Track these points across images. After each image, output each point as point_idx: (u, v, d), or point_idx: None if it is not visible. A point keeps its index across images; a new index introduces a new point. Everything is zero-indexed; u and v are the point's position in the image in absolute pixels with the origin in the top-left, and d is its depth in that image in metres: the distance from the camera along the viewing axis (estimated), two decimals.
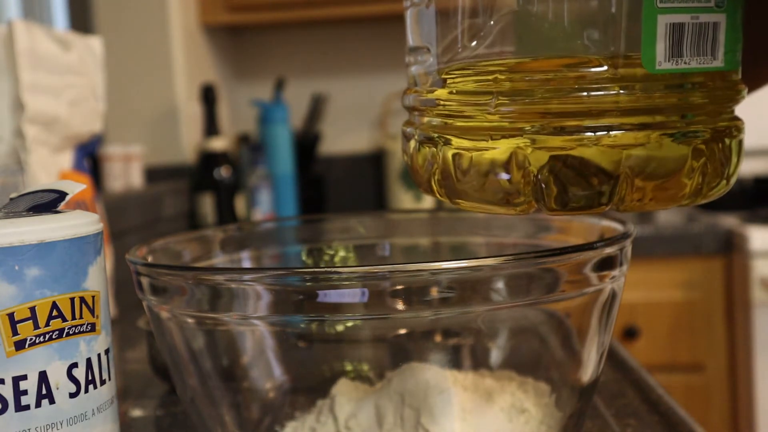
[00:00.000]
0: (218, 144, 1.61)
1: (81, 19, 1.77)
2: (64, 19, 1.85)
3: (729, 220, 1.54)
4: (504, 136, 0.33)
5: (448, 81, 0.35)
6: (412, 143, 0.38)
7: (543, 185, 0.32)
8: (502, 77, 0.33)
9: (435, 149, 0.36)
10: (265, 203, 1.64)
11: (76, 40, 0.83)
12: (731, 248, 1.49)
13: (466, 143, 0.34)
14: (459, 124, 0.35)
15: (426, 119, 0.37)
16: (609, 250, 0.39)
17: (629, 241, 0.41)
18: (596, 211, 0.33)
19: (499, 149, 0.33)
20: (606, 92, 0.31)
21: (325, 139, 2.02)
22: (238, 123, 2.02)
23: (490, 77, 0.33)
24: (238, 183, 1.63)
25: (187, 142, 1.70)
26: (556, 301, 0.39)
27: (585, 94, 0.31)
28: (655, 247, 1.50)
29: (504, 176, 0.33)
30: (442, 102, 0.35)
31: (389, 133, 1.97)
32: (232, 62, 2.04)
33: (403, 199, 1.87)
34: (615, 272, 0.40)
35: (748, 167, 1.82)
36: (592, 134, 0.32)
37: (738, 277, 1.48)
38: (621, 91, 0.31)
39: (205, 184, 1.60)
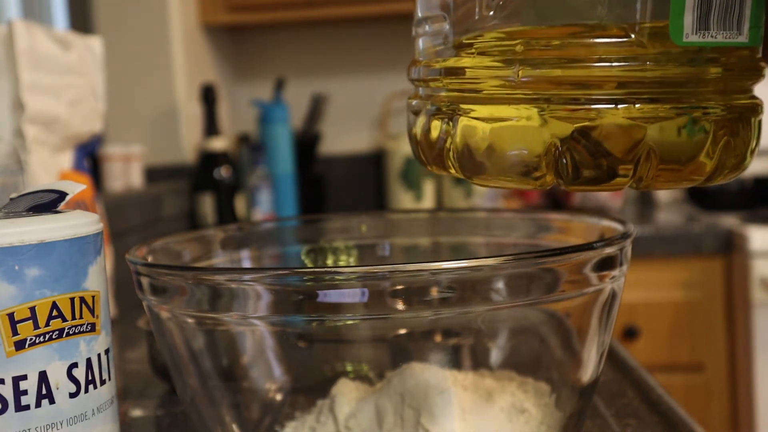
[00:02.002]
0: (218, 144, 1.61)
1: (81, 19, 1.77)
2: (64, 19, 1.85)
3: (729, 220, 1.54)
4: (524, 105, 0.33)
5: (465, 50, 0.34)
6: (422, 117, 0.37)
7: (564, 159, 0.32)
8: (525, 46, 0.32)
9: (450, 121, 0.35)
10: (265, 203, 1.64)
11: (76, 40, 0.83)
12: (731, 248, 1.49)
13: (483, 113, 0.34)
14: (475, 94, 0.34)
15: (438, 91, 0.36)
16: (609, 250, 0.39)
17: (629, 241, 0.41)
18: (616, 187, 0.33)
19: (521, 121, 0.33)
20: (630, 63, 0.31)
21: (325, 139, 2.02)
22: (238, 123, 2.02)
23: (512, 44, 0.33)
24: (238, 183, 1.63)
25: (187, 142, 1.70)
26: (556, 301, 0.39)
27: (609, 64, 0.31)
28: (655, 247, 1.49)
29: (524, 150, 0.33)
30: (457, 71, 0.35)
31: (389, 133, 1.97)
32: (232, 62, 2.04)
33: (403, 199, 1.87)
34: (615, 272, 0.40)
35: (748, 167, 1.82)
36: (613, 106, 0.31)
37: (738, 277, 1.48)
38: (648, 63, 0.31)
39: (205, 184, 1.60)
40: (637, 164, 0.32)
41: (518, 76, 0.32)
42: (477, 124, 0.34)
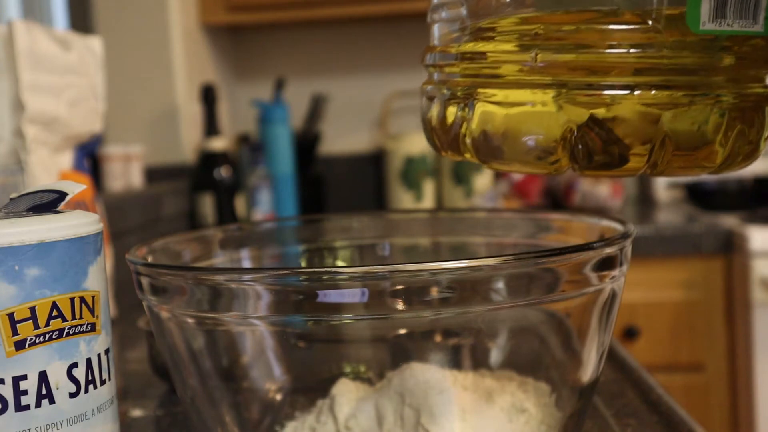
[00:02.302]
0: (218, 144, 1.61)
1: (81, 19, 1.77)
2: (64, 19, 1.85)
3: (729, 220, 1.54)
4: (541, 90, 0.33)
5: (483, 35, 0.35)
6: (437, 102, 0.38)
7: (579, 145, 0.33)
8: (542, 32, 0.33)
9: (466, 106, 0.35)
10: (265, 203, 1.64)
11: (76, 40, 0.83)
12: (731, 248, 1.49)
13: (500, 98, 0.34)
14: (492, 78, 0.35)
15: (454, 77, 0.36)
16: (609, 250, 0.39)
17: (629, 241, 0.41)
18: (630, 172, 0.34)
19: (537, 106, 0.33)
20: (646, 50, 0.32)
21: (325, 139, 2.02)
22: (238, 123, 2.02)
23: (529, 30, 0.33)
24: (238, 183, 1.63)
25: (187, 142, 1.70)
26: (556, 301, 0.39)
27: (625, 50, 0.32)
28: (655, 247, 1.49)
29: (540, 135, 0.33)
30: (474, 56, 0.35)
31: (389, 133, 1.97)
32: (232, 62, 2.04)
33: (403, 199, 1.87)
34: (615, 272, 0.40)
35: (748, 167, 1.82)
36: (629, 92, 0.32)
37: (738, 277, 1.48)
38: (664, 50, 0.32)
39: (205, 184, 1.60)
40: (652, 150, 0.32)
41: (535, 60, 0.33)
42: (494, 108, 0.34)
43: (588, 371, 0.42)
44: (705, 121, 0.33)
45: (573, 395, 0.43)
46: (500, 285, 0.36)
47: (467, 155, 0.36)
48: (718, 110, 0.33)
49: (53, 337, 0.33)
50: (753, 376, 1.43)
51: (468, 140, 0.36)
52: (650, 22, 0.32)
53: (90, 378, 0.34)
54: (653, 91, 0.32)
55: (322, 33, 2.03)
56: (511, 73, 0.34)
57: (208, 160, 1.61)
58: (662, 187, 1.89)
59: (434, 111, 0.38)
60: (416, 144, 1.84)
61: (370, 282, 0.35)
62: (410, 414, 0.42)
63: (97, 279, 0.35)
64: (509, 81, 0.34)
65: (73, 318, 0.33)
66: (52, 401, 0.33)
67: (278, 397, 0.47)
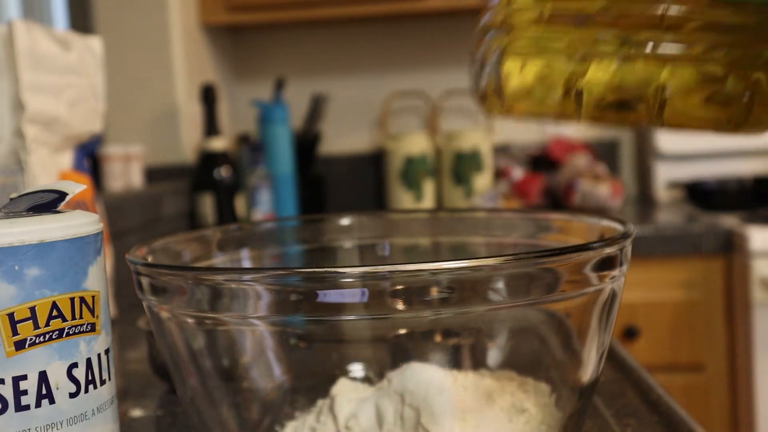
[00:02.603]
0: (218, 144, 1.61)
1: (81, 19, 1.77)
2: (64, 19, 1.85)
3: (729, 220, 1.54)
4: (555, 42, 0.36)
5: None
6: (477, 61, 0.42)
7: (585, 91, 0.35)
8: None
9: (495, 60, 0.39)
10: (265, 203, 1.64)
11: (76, 40, 0.83)
12: (731, 248, 1.49)
13: (522, 49, 0.38)
14: (518, 32, 0.38)
15: (493, 35, 0.40)
16: (609, 250, 0.39)
17: (629, 241, 0.41)
18: (632, 121, 0.35)
19: (552, 56, 0.36)
20: (654, 7, 0.33)
21: (325, 139, 2.02)
22: (238, 123, 2.02)
23: None
24: (238, 183, 1.63)
25: (187, 142, 1.70)
26: (556, 301, 0.39)
27: (667, 10, 0.33)
28: (655, 247, 1.49)
29: (552, 83, 0.36)
30: (507, 13, 0.39)
31: (389, 133, 1.97)
32: (232, 62, 2.04)
33: (403, 199, 1.87)
34: (615, 272, 0.40)
35: (748, 167, 1.82)
36: (634, 49, 0.33)
37: (738, 277, 1.48)
38: (672, 6, 0.33)
39: (205, 184, 1.60)
40: (655, 101, 0.34)
41: (547, 11, 0.36)
42: (516, 60, 0.38)
43: (588, 371, 0.42)
44: (704, 79, 0.34)
45: (573, 395, 0.43)
46: (500, 285, 0.36)
47: (496, 109, 0.40)
48: (718, 67, 0.34)
49: (53, 337, 0.33)
50: (753, 376, 1.43)
51: (492, 89, 0.40)
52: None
53: (90, 378, 0.34)
54: (664, 44, 0.33)
55: (322, 33, 2.03)
56: (531, 26, 0.37)
57: (208, 160, 1.61)
58: (662, 187, 1.89)
59: (476, 69, 0.42)
60: (416, 144, 1.84)
61: (370, 282, 0.35)
62: (410, 414, 0.42)
63: (97, 279, 0.35)
64: (531, 36, 0.37)
65: (73, 318, 0.33)
66: (52, 401, 0.33)
67: (278, 397, 0.47)
